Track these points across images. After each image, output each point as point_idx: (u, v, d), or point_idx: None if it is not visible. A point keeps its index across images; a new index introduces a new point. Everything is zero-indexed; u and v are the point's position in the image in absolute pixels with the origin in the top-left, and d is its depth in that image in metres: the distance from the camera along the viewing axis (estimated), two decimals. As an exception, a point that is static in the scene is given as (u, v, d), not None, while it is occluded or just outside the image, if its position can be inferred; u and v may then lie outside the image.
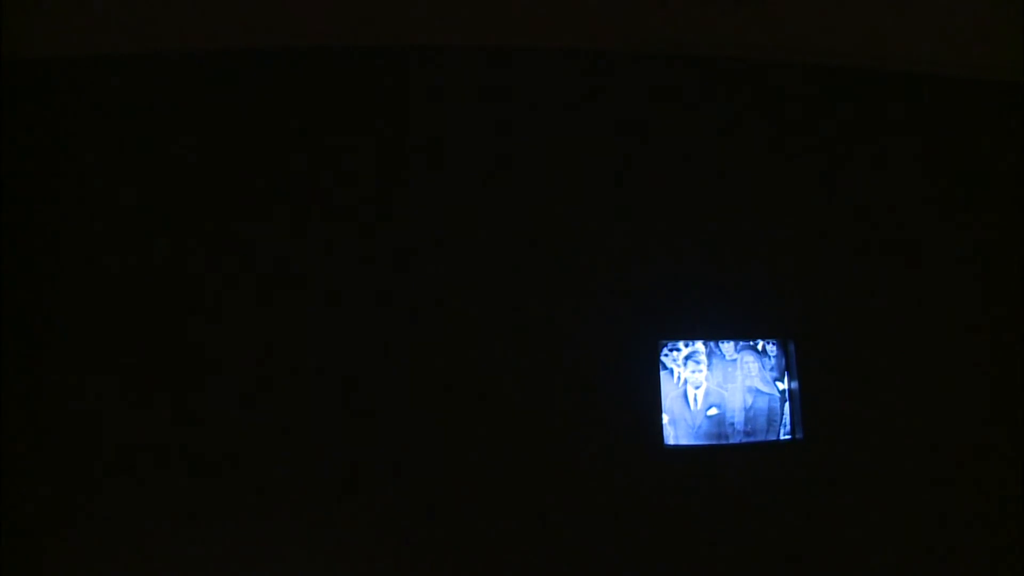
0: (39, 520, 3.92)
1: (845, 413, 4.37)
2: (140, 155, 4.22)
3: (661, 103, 4.54)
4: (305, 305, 4.17)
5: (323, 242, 4.22)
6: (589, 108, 4.48)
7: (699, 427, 4.23)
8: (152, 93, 4.26)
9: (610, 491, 4.16)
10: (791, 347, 4.34)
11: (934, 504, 4.39)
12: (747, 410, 4.27)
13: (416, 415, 4.12)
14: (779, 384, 4.32)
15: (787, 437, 4.29)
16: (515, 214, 4.33)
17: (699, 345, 4.27)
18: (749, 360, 4.30)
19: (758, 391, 4.29)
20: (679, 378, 4.25)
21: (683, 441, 4.21)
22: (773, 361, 4.33)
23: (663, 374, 4.23)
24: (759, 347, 4.32)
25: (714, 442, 4.23)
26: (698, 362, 4.26)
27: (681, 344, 4.26)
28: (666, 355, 4.25)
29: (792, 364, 4.33)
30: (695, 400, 4.24)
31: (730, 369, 4.28)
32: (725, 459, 4.26)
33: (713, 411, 4.25)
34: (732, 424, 4.26)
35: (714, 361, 4.27)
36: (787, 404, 4.31)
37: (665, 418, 4.20)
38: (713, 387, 4.26)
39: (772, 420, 4.29)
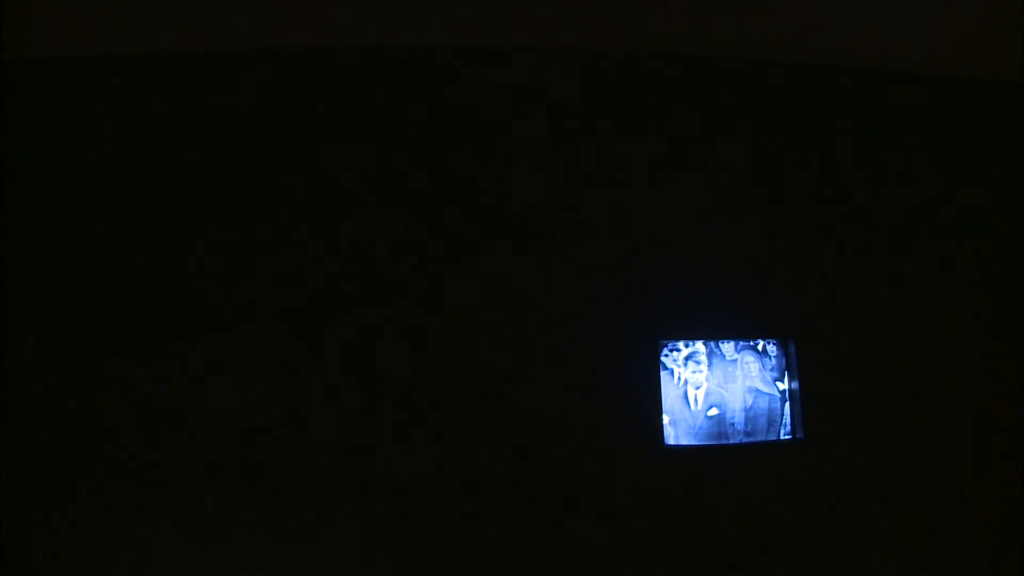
0: (39, 520, 3.93)
1: (845, 413, 4.37)
2: (140, 155, 4.22)
3: (660, 102, 4.54)
4: (302, 303, 4.19)
5: (323, 241, 4.23)
6: (588, 107, 4.49)
7: (699, 427, 4.23)
8: (152, 93, 4.27)
9: (611, 491, 4.16)
10: (791, 347, 4.34)
11: (934, 504, 4.39)
12: (747, 410, 4.27)
13: (415, 414, 4.13)
14: (779, 384, 4.33)
15: (787, 437, 4.30)
16: (514, 213, 4.34)
17: (699, 345, 4.27)
18: (749, 360, 4.30)
19: (758, 391, 4.30)
20: (679, 378, 4.25)
21: (683, 441, 4.21)
22: (773, 361, 4.33)
23: (663, 374, 4.23)
24: (759, 347, 4.33)
25: (714, 442, 4.23)
26: (698, 362, 4.26)
27: (681, 344, 4.27)
28: (666, 355, 4.25)
29: (792, 364, 4.33)
30: (695, 400, 4.24)
31: (730, 369, 4.28)
32: (725, 459, 4.26)
33: (713, 411, 4.25)
34: (732, 424, 4.26)
35: (714, 361, 4.27)
36: (787, 404, 4.32)
37: (665, 418, 4.21)
38: (713, 387, 4.26)
39: (772, 420, 4.29)
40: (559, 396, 4.20)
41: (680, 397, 4.24)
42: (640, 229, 4.40)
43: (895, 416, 4.41)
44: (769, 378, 4.31)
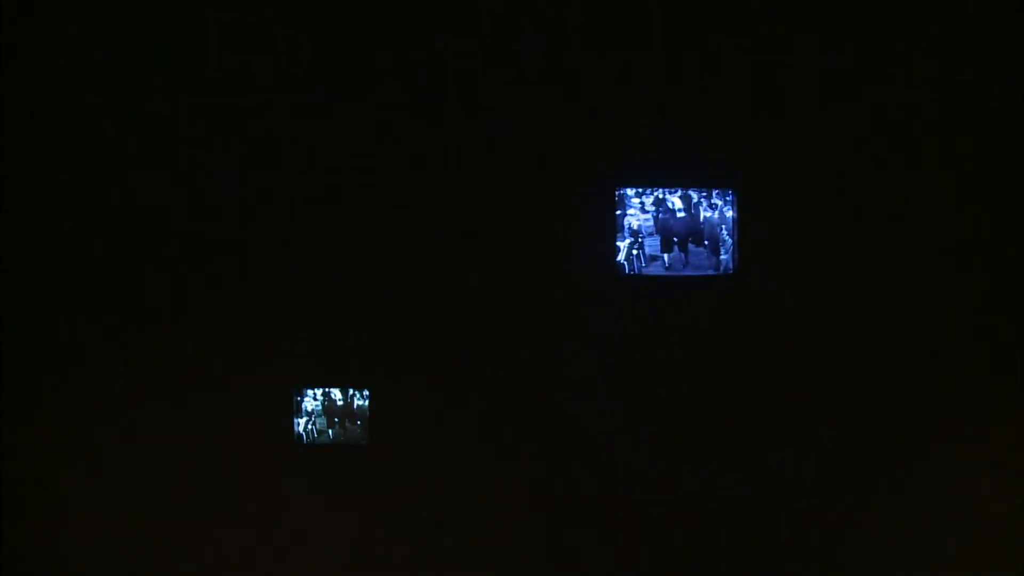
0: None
1: (781, 254, 4.53)
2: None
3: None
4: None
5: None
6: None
7: (652, 265, 4.52)
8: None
9: (576, 314, 4.46)
10: (738, 196, 4.47)
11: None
12: (694, 251, 4.52)
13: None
14: (725, 230, 4.51)
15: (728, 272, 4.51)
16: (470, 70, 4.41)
17: (654, 194, 4.48)
18: (695, 204, 4.52)
19: (707, 233, 4.51)
20: (632, 223, 4.51)
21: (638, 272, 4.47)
22: (722, 209, 4.51)
23: (618, 215, 4.46)
24: (709, 197, 4.50)
25: (664, 273, 4.50)
26: (650, 209, 4.50)
27: (634, 191, 4.48)
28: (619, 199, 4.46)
29: (736, 212, 4.47)
30: (646, 244, 4.49)
31: (681, 215, 4.49)
32: (674, 288, 4.48)
33: (664, 252, 4.51)
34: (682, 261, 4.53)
35: (666, 207, 4.47)
36: (732, 244, 4.53)
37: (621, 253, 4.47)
38: (664, 231, 4.49)
39: (718, 257, 4.54)
40: (528, 244, 4.46)
41: (632, 240, 4.50)
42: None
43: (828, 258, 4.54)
44: (717, 224, 4.50)
